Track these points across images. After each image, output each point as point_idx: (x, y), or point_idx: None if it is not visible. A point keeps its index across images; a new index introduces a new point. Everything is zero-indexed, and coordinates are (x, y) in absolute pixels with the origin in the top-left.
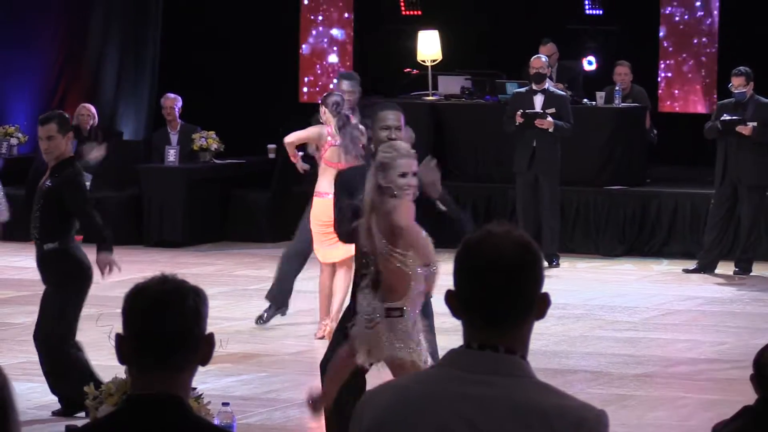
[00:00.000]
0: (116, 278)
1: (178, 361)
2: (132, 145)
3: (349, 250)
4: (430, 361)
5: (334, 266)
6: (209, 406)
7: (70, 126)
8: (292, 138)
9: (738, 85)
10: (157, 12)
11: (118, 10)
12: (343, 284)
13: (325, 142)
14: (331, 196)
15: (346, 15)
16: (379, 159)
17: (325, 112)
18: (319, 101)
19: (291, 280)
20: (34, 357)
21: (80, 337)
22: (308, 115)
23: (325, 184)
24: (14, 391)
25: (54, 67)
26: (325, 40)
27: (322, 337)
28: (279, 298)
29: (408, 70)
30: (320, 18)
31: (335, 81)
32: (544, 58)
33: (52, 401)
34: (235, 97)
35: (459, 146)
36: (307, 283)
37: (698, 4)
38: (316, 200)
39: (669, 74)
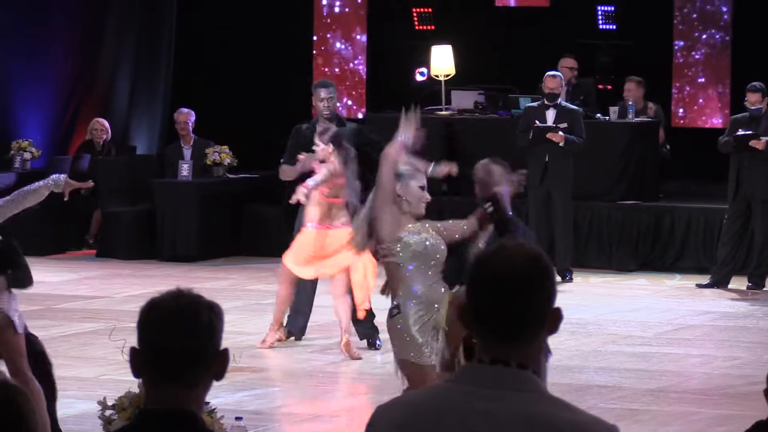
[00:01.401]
0: (131, 293)
1: (192, 376)
2: (145, 160)
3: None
4: (434, 361)
5: (295, 282)
6: (222, 421)
7: None
8: (318, 180)
9: (755, 101)
10: (170, 27)
11: (132, 25)
12: (345, 308)
13: (333, 181)
14: (312, 227)
15: (359, 30)
16: (399, 171)
17: (323, 149)
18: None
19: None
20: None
21: (93, 350)
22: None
23: (311, 214)
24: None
25: (67, 81)
26: (339, 54)
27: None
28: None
29: (419, 72)
30: (334, 33)
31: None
32: (559, 77)
33: (66, 415)
34: (248, 111)
35: (472, 160)
36: (319, 299)
37: (712, 18)
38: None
39: (683, 89)
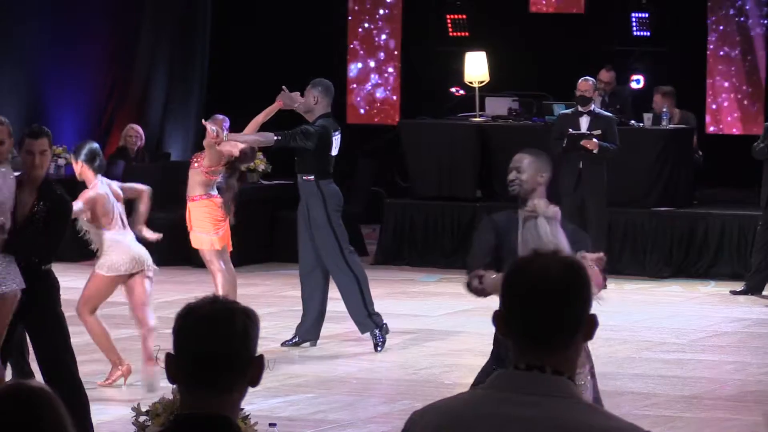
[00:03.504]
0: (165, 299)
1: (227, 382)
2: (179, 166)
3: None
4: None
5: None
6: (256, 427)
7: None
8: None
9: None
10: (204, 34)
11: (167, 32)
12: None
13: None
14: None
15: (393, 37)
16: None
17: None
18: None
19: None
20: None
21: (128, 356)
22: (354, 137)
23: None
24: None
25: (103, 88)
26: (372, 61)
27: None
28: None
29: (455, 90)
30: (367, 40)
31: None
32: (591, 81)
33: (100, 421)
34: (282, 118)
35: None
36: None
37: (746, 24)
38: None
39: (717, 95)
